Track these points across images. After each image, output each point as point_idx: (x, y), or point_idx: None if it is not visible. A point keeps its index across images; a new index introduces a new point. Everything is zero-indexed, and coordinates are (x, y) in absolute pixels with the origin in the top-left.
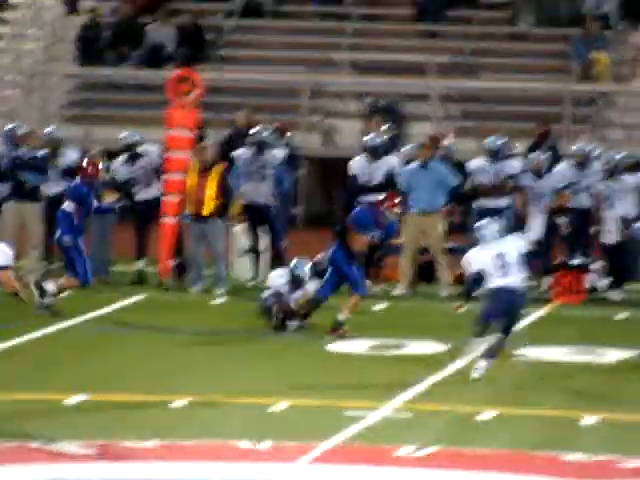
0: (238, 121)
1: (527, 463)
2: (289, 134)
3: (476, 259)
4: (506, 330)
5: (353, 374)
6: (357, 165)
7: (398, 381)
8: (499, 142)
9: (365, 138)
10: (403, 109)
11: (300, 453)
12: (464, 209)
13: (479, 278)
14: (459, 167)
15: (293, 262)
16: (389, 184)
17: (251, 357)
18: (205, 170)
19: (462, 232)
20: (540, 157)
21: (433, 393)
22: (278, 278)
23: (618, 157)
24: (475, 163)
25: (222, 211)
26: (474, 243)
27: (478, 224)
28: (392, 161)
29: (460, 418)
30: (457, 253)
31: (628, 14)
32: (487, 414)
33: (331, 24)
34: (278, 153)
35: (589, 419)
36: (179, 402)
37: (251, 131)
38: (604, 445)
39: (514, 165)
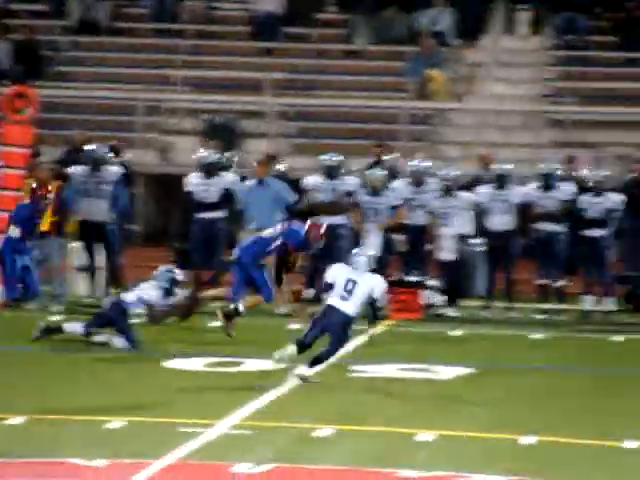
0: (74, 139)
1: (363, 479)
2: (125, 151)
3: (333, 273)
4: (332, 346)
5: (190, 391)
6: (192, 182)
7: (236, 398)
8: (335, 159)
9: (199, 155)
10: (239, 126)
11: (135, 470)
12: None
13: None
14: (295, 184)
15: (159, 272)
16: (226, 201)
17: (88, 374)
18: (40, 187)
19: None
20: (377, 174)
21: (271, 410)
22: (152, 290)
23: (454, 174)
24: (311, 180)
25: (59, 228)
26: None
27: (355, 250)
28: (228, 178)
29: (298, 434)
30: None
31: (463, 32)
32: (325, 430)
33: (167, 41)
34: (114, 170)
35: (425, 435)
36: (14, 419)
37: (86, 148)
38: (439, 461)
39: (351, 182)
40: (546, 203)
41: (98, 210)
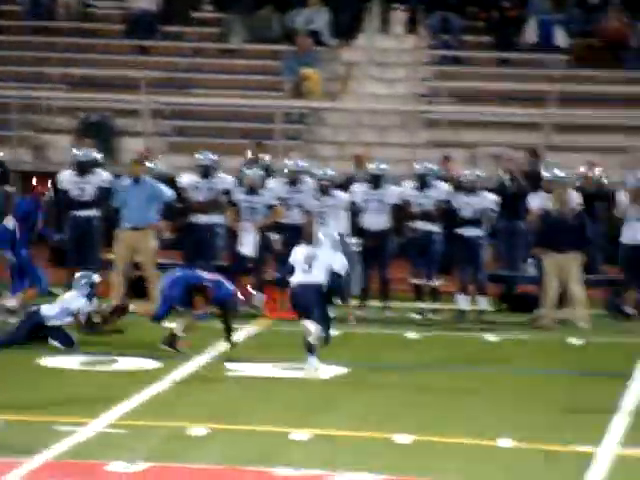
0: None
1: (238, 478)
2: None
3: (293, 254)
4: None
5: (64, 389)
6: (66, 180)
7: (111, 396)
8: (210, 158)
9: (73, 152)
10: (114, 124)
11: (9, 469)
12: (177, 225)
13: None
14: (170, 183)
15: (77, 279)
16: (101, 198)
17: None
18: None
19: (173, 248)
20: (255, 173)
21: (146, 409)
22: (76, 300)
23: (329, 174)
24: (187, 179)
25: None
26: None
27: (323, 229)
28: (103, 176)
29: (172, 433)
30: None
31: (339, 31)
32: (199, 429)
33: (42, 38)
34: None
35: (300, 434)
36: None
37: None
38: (315, 460)
39: (227, 181)
40: (422, 202)
41: None
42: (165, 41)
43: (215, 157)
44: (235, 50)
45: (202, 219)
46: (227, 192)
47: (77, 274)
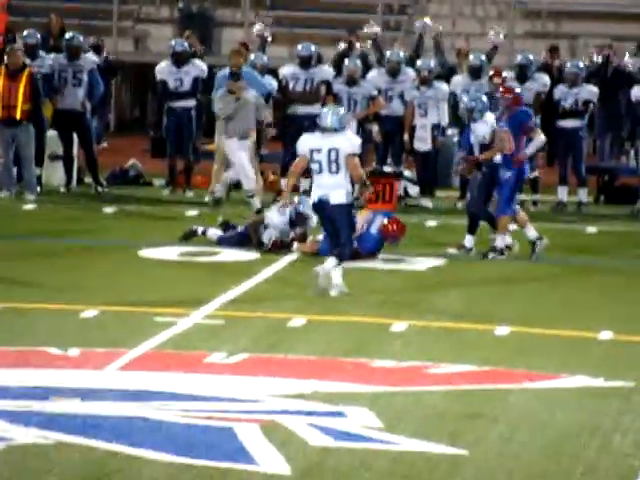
0: (49, 25)
1: (337, 369)
2: (104, 45)
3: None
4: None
5: (164, 281)
6: (164, 71)
7: (210, 288)
8: (309, 49)
9: (171, 43)
10: (215, 15)
11: (109, 360)
12: (277, 116)
13: None
14: (273, 74)
15: (297, 199)
16: (198, 89)
17: (62, 262)
18: (14, 74)
19: (274, 139)
20: (354, 64)
21: (245, 300)
22: (279, 216)
23: (432, 65)
24: (287, 70)
25: (32, 115)
26: None
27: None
28: (200, 66)
29: (271, 325)
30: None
31: None
32: (298, 321)
33: None
34: (90, 59)
35: (398, 326)
36: None
37: (67, 36)
38: (413, 351)
39: (326, 71)
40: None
41: (74, 99)
42: None
43: (314, 48)
44: None
45: (301, 110)
46: (326, 83)
47: (302, 196)
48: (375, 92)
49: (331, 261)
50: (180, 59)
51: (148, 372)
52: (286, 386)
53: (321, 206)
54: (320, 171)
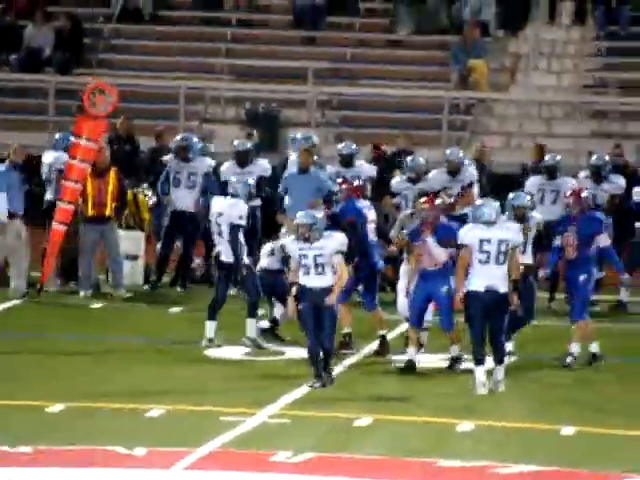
0: (118, 126)
1: (403, 469)
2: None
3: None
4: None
5: (230, 380)
6: (228, 171)
7: (275, 387)
8: (351, 147)
9: (234, 143)
10: (281, 115)
11: (175, 459)
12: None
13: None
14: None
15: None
16: (261, 189)
17: (129, 361)
18: (102, 173)
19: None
20: (420, 161)
21: (311, 399)
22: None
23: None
24: (330, 169)
25: (119, 214)
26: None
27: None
28: (264, 166)
29: (337, 424)
30: None
31: (507, 22)
32: (364, 420)
33: (210, 29)
34: (206, 162)
35: (464, 425)
36: (55, 407)
37: (178, 137)
38: (479, 451)
39: (367, 169)
40: (596, 194)
41: (189, 200)
42: (332, 31)
43: (355, 146)
44: (402, 41)
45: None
46: (371, 180)
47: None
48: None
49: (500, 371)
50: (243, 159)
51: (214, 472)
52: None
53: (485, 296)
54: (487, 261)
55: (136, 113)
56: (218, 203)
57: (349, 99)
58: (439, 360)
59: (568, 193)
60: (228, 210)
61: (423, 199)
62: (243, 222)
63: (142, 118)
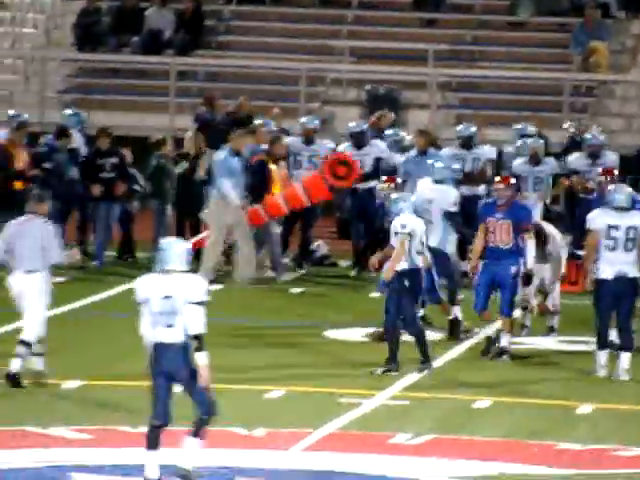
0: (240, 107)
1: (522, 451)
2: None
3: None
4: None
5: (349, 361)
6: (345, 153)
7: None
8: (470, 129)
9: (350, 125)
10: (401, 97)
11: (294, 440)
12: None
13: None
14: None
15: None
16: (378, 170)
17: (248, 343)
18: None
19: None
20: (538, 142)
21: (430, 381)
22: None
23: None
24: (448, 150)
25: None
26: None
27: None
28: (380, 147)
29: (456, 406)
30: None
31: (628, 3)
32: (483, 402)
33: (331, 11)
34: (326, 144)
35: (584, 408)
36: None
37: (303, 120)
38: (599, 434)
39: (488, 151)
40: None
41: None
42: (452, 13)
43: (474, 128)
44: (523, 23)
45: (465, 190)
46: (492, 162)
47: None
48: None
49: (626, 359)
50: (359, 141)
51: (333, 453)
52: (471, 468)
53: (614, 284)
54: (614, 248)
55: (255, 95)
56: (426, 189)
57: (469, 81)
58: (556, 343)
59: None
60: (439, 196)
61: (498, 178)
62: (455, 208)
63: (261, 100)
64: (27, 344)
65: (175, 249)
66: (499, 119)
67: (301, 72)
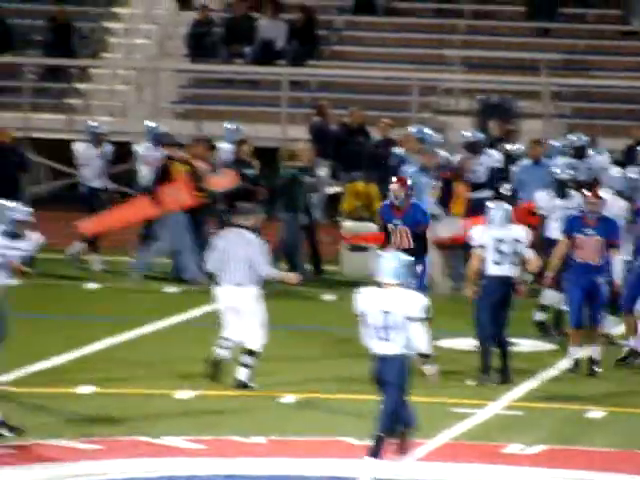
0: (352, 117)
1: (635, 462)
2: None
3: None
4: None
5: (461, 372)
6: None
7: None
8: (583, 139)
9: (464, 134)
10: (514, 106)
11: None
12: None
13: None
14: None
15: None
16: (493, 180)
17: (359, 353)
18: None
19: None
20: None
21: (543, 391)
22: None
23: None
24: (562, 160)
25: None
26: None
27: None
28: (495, 156)
29: (570, 416)
30: None
31: None
32: (597, 412)
33: (443, 21)
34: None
35: None
36: (286, 398)
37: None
38: None
39: (601, 160)
40: None
41: None
42: (565, 23)
43: (586, 138)
44: (636, 32)
45: None
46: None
47: None
48: None
49: None
50: (473, 149)
51: (445, 463)
52: (583, 478)
53: None
54: None
55: (367, 105)
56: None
57: (581, 90)
58: None
59: None
60: (613, 205)
61: (588, 193)
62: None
63: (373, 110)
64: (253, 353)
65: (392, 263)
66: (611, 129)
67: (413, 82)
